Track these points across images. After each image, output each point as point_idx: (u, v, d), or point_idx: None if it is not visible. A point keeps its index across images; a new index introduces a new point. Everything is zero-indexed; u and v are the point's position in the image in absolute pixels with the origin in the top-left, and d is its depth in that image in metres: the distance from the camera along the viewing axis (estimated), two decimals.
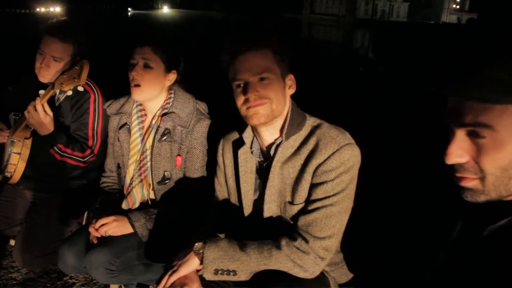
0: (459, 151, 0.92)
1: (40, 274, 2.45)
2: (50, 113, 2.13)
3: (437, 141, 1.02)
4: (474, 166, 0.91)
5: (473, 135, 0.90)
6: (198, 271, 1.47)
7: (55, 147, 2.21)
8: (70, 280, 2.41)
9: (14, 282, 2.38)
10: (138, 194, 2.05)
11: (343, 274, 1.67)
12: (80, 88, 2.23)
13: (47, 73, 2.24)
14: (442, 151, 0.95)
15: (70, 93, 2.29)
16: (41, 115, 2.08)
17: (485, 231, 0.98)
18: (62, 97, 2.34)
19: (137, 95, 1.95)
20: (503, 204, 0.95)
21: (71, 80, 2.10)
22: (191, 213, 1.97)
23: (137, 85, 1.93)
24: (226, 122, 1.76)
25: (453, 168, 0.95)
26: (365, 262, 1.98)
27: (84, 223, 2.53)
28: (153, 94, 1.99)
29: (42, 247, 2.27)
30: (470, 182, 0.93)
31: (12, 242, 2.49)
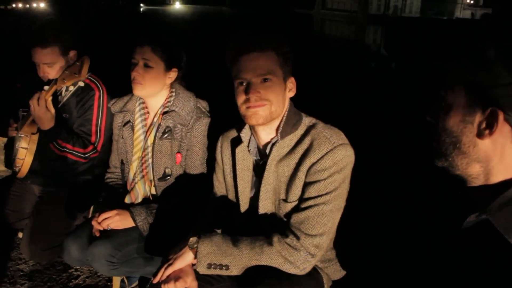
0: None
1: (46, 266, 2.52)
2: (52, 110, 2.19)
3: None
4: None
5: None
6: (193, 265, 1.52)
7: (54, 142, 2.27)
8: (75, 273, 2.48)
9: (21, 273, 2.46)
10: (140, 190, 2.10)
11: (336, 271, 1.71)
12: (81, 83, 2.29)
13: (50, 76, 2.34)
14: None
15: (72, 88, 2.35)
16: (42, 110, 2.14)
17: (463, 225, 1.04)
18: (68, 94, 2.40)
19: (138, 91, 2.01)
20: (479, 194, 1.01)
21: (72, 75, 2.17)
22: (190, 208, 2.03)
23: (139, 83, 1.99)
24: (229, 120, 1.80)
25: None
26: (358, 259, 2.02)
27: (89, 217, 2.60)
28: (154, 91, 2.05)
29: (49, 240, 2.34)
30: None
31: (21, 235, 2.56)
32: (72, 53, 2.37)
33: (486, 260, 0.98)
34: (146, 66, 1.98)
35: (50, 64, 2.31)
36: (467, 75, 0.95)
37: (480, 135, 0.95)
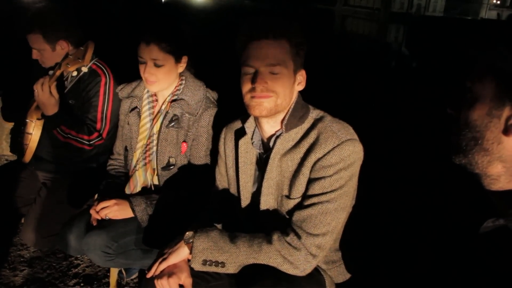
0: None
1: (47, 254, 2.49)
2: (56, 95, 2.14)
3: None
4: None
5: None
6: (189, 260, 1.45)
7: (58, 129, 2.22)
8: (75, 261, 2.44)
9: (21, 259, 2.43)
10: (140, 178, 2.04)
11: (340, 274, 1.62)
12: (84, 69, 2.24)
13: (43, 63, 2.31)
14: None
15: (75, 73, 2.30)
16: (46, 95, 2.10)
17: (480, 230, 0.97)
18: (74, 80, 2.35)
19: (154, 87, 1.97)
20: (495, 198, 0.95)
21: (76, 60, 2.14)
22: (192, 201, 1.96)
23: (152, 82, 1.94)
24: (237, 112, 1.72)
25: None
26: (364, 262, 1.93)
27: None
28: (168, 84, 2.00)
29: (50, 228, 2.30)
30: None
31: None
32: (63, 43, 2.30)
33: (502, 267, 0.92)
34: (156, 65, 1.91)
35: (40, 50, 2.27)
36: (500, 64, 0.86)
37: (506, 131, 0.86)
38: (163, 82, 1.95)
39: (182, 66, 2.01)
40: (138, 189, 2.04)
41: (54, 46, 2.28)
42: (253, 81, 1.42)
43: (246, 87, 1.45)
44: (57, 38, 2.28)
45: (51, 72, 2.16)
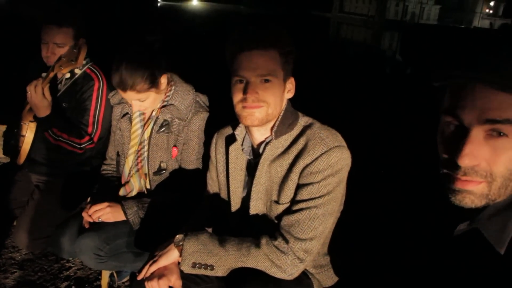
0: (476, 152, 0.83)
1: (38, 256, 2.50)
2: (49, 97, 2.16)
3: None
4: (486, 169, 0.84)
5: (493, 134, 0.83)
6: (179, 263, 1.48)
7: (49, 131, 2.24)
8: (67, 264, 2.45)
9: (13, 261, 2.44)
10: (135, 183, 2.06)
11: (328, 277, 1.65)
12: (78, 71, 2.26)
13: (55, 59, 2.25)
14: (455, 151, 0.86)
15: (68, 75, 2.32)
16: (39, 97, 2.11)
17: (454, 232, 1.00)
18: (68, 83, 2.37)
19: (148, 111, 2.03)
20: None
21: (69, 62, 2.15)
22: (183, 204, 1.98)
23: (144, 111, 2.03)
24: (231, 117, 1.74)
25: (456, 169, 0.86)
26: (352, 266, 1.96)
27: None
28: (159, 101, 2.02)
29: (42, 230, 2.31)
30: (476, 185, 0.86)
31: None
32: (81, 40, 2.32)
33: (474, 269, 0.95)
34: (141, 101, 1.92)
35: (60, 45, 2.26)
36: None
37: None
38: (153, 106, 1.99)
39: (163, 84, 1.99)
40: (134, 193, 2.06)
41: (77, 41, 2.30)
42: (244, 91, 1.44)
43: (237, 97, 1.47)
44: (81, 35, 2.30)
45: (44, 74, 2.17)
